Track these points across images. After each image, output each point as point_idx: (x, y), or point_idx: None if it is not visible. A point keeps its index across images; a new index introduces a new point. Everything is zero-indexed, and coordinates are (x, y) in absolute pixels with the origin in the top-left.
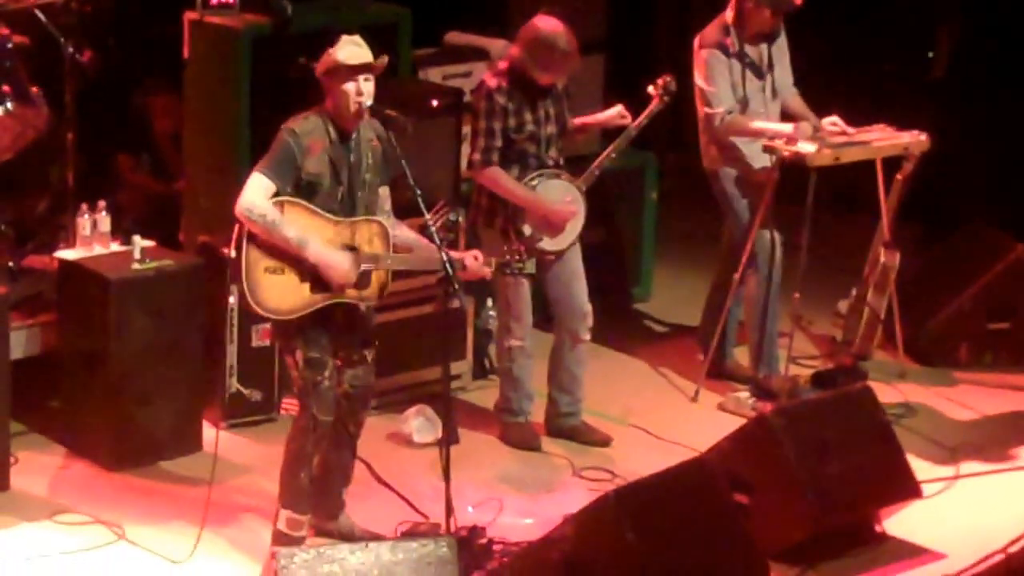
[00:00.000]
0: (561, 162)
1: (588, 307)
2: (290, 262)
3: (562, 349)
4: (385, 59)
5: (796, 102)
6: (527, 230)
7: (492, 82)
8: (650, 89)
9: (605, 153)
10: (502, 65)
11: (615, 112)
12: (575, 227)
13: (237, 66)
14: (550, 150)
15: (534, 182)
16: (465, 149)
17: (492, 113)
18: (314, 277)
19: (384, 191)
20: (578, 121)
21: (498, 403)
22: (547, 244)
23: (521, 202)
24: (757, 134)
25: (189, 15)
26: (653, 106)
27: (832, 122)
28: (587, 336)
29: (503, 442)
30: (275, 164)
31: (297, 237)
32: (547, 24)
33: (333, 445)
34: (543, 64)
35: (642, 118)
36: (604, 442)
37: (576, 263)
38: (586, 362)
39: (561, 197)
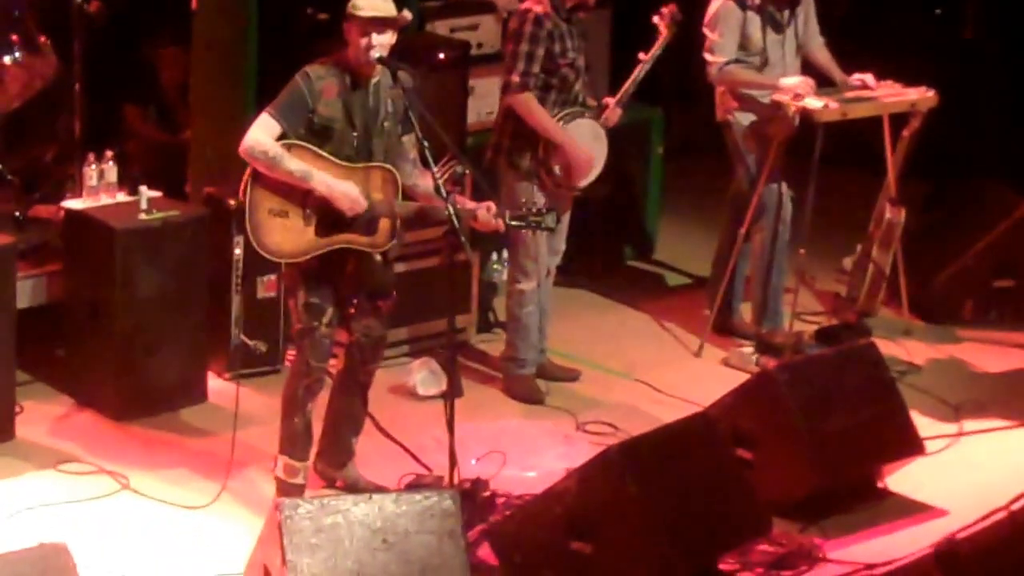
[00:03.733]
0: (585, 99)
1: (563, 246)
2: (295, 204)
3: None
4: (408, 16)
5: (822, 55)
6: (557, 169)
7: (538, 7)
8: (655, 19)
9: (623, 89)
10: None
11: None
12: (599, 163)
13: (245, 17)
14: (579, 82)
15: (561, 121)
16: (472, 103)
17: (536, 37)
18: (319, 220)
19: (409, 140)
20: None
21: (503, 353)
22: (573, 179)
23: (552, 137)
24: (750, 86)
25: None
26: (662, 37)
27: (859, 79)
28: (553, 273)
29: (506, 395)
30: (284, 106)
31: (301, 170)
32: None
33: (342, 393)
34: None
35: (654, 50)
36: (572, 377)
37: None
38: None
39: (588, 136)
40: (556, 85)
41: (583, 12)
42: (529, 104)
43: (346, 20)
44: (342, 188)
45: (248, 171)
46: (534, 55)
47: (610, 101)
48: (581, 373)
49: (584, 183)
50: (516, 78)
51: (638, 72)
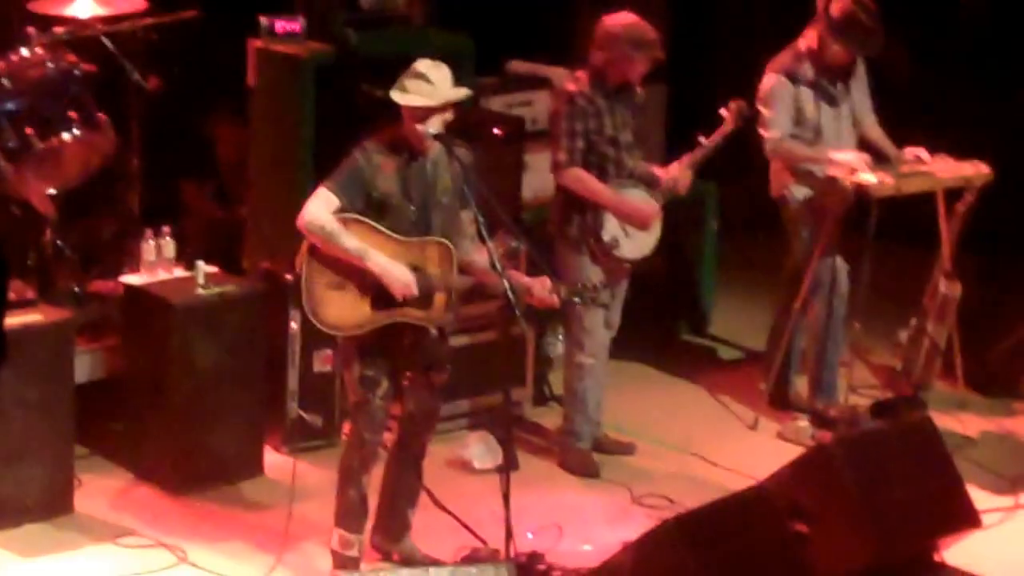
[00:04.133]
0: (638, 176)
1: (617, 319)
2: (352, 278)
3: None
4: (461, 94)
5: (875, 132)
6: (606, 234)
7: (572, 86)
8: (723, 112)
9: (681, 168)
10: (580, 73)
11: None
12: (653, 235)
13: (301, 94)
14: (629, 157)
15: (613, 185)
16: (527, 178)
17: (573, 115)
18: (375, 294)
19: (467, 215)
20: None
21: (561, 426)
22: (625, 251)
23: (605, 201)
24: (808, 160)
25: (254, 43)
26: (726, 127)
27: (914, 153)
28: (608, 345)
29: (562, 468)
30: (342, 180)
31: (357, 247)
32: (623, 17)
33: (398, 466)
34: (630, 52)
35: (716, 137)
36: (627, 451)
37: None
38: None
39: (643, 202)
40: (595, 163)
41: (638, 87)
42: (578, 176)
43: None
44: (395, 272)
45: (305, 244)
46: (574, 131)
47: (661, 172)
48: (636, 447)
49: (637, 253)
50: (562, 156)
51: (695, 157)
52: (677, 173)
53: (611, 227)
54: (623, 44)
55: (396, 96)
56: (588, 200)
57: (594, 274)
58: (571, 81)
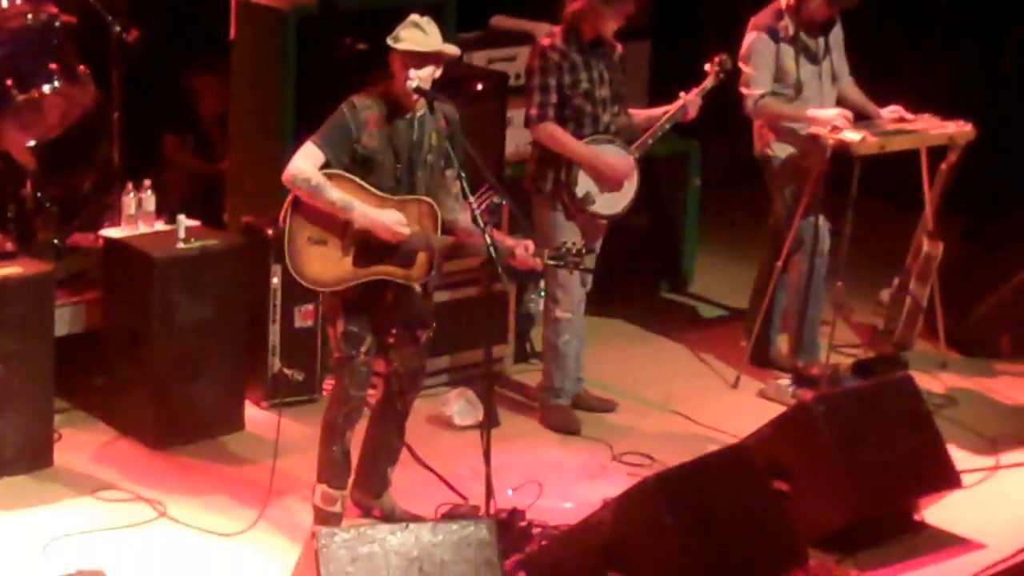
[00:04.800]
0: (617, 132)
1: (589, 275)
2: (334, 233)
3: None
4: (453, 51)
5: (853, 91)
6: (580, 190)
7: (546, 40)
8: (707, 66)
9: (658, 124)
10: (556, 28)
11: (679, 105)
12: (628, 192)
13: (283, 47)
14: (605, 113)
15: (588, 140)
16: (510, 133)
17: (546, 69)
18: (357, 250)
19: (451, 174)
20: (643, 114)
21: (540, 383)
22: (599, 207)
23: (577, 157)
24: (790, 118)
25: None
26: (708, 82)
27: (892, 111)
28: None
29: (543, 424)
30: (328, 135)
31: (343, 200)
32: None
33: (380, 423)
34: (599, 6)
35: (696, 92)
36: (608, 408)
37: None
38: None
39: (617, 158)
40: (571, 116)
41: (617, 44)
42: (550, 131)
43: (390, 51)
44: (383, 217)
45: (289, 199)
46: (547, 86)
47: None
48: (618, 404)
49: (612, 209)
50: (533, 111)
51: (673, 114)
52: (693, 97)
53: (584, 183)
54: (584, 7)
55: (391, 42)
56: (561, 155)
57: (569, 230)
58: (547, 35)
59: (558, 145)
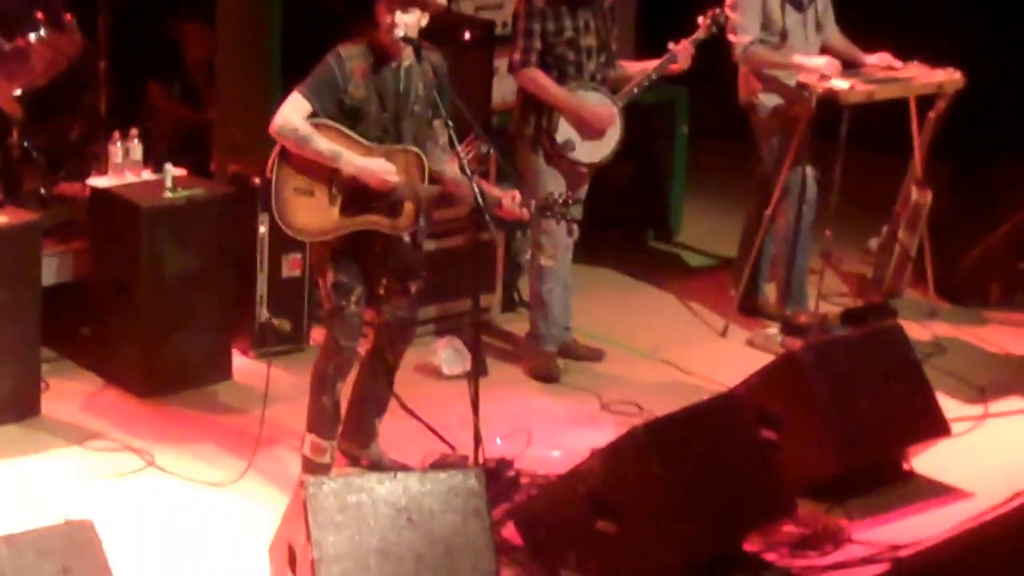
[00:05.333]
0: (604, 80)
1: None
2: (321, 183)
3: None
4: (441, 2)
5: (839, 39)
6: (560, 136)
7: None
8: (700, 19)
9: (644, 74)
10: None
11: (668, 58)
12: (610, 141)
13: None
14: (590, 62)
15: (571, 87)
16: (497, 82)
17: (531, 15)
18: (344, 200)
19: (439, 124)
20: (636, 67)
21: (529, 330)
22: (580, 154)
23: (558, 102)
24: (778, 66)
25: None
26: (699, 33)
27: (881, 57)
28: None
29: (525, 372)
30: (315, 85)
31: (330, 149)
32: None
33: (369, 374)
34: None
35: (686, 43)
36: (596, 357)
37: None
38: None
39: (599, 105)
40: (554, 64)
41: None
42: (532, 76)
43: (376, 1)
44: (371, 165)
45: (276, 149)
46: (530, 31)
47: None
48: (606, 353)
49: (593, 157)
50: (516, 56)
51: (661, 63)
52: (683, 48)
53: (565, 130)
54: None
55: None
56: (543, 101)
57: (550, 176)
58: None
59: (540, 90)
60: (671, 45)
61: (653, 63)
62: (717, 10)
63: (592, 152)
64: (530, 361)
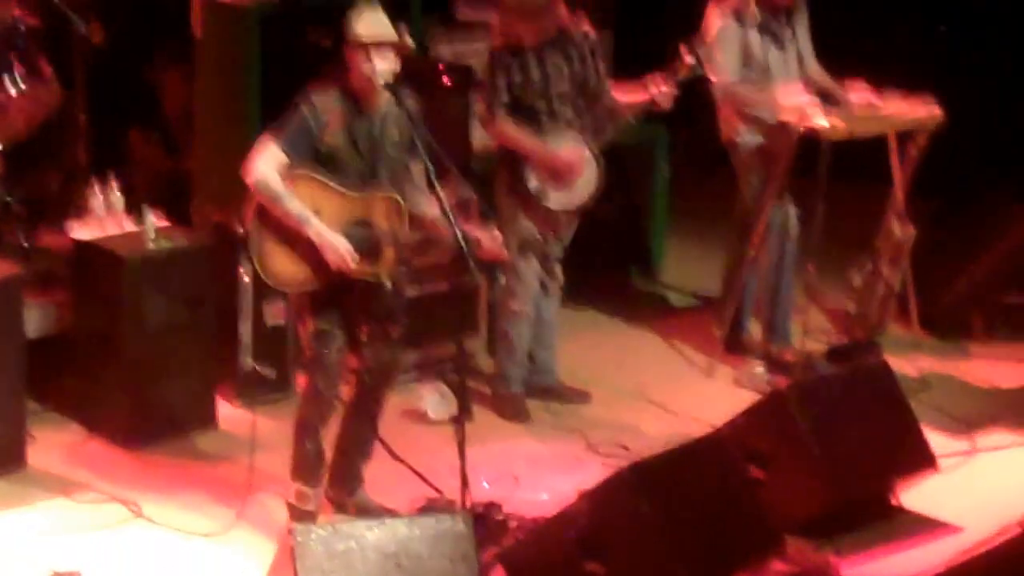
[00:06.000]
0: (581, 124)
1: (560, 271)
2: (300, 233)
3: (538, 302)
4: (410, 43)
5: (819, 74)
6: (532, 185)
7: (497, 39)
8: (682, 53)
9: (623, 117)
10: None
11: (645, 100)
12: (586, 185)
13: (247, 43)
14: (565, 107)
15: (544, 135)
16: (475, 126)
17: (495, 68)
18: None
19: (416, 166)
20: (624, 98)
21: (494, 372)
22: (554, 201)
23: (527, 152)
24: (759, 105)
25: None
26: (681, 74)
27: (863, 94)
28: (558, 293)
29: (495, 413)
30: (289, 136)
31: (299, 213)
32: None
33: (353, 419)
34: (513, 22)
35: (668, 87)
36: (583, 399)
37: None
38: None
39: (570, 153)
40: (525, 114)
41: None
42: (499, 127)
43: (347, 46)
44: (332, 242)
45: (253, 201)
46: (496, 86)
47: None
48: (592, 395)
49: (566, 204)
50: (484, 110)
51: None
52: (664, 88)
53: (536, 178)
54: (509, 13)
55: (353, 36)
56: (514, 151)
57: (528, 223)
58: (499, 31)
59: (510, 142)
60: (653, 89)
61: (639, 96)
62: (697, 46)
63: (566, 198)
64: (498, 402)
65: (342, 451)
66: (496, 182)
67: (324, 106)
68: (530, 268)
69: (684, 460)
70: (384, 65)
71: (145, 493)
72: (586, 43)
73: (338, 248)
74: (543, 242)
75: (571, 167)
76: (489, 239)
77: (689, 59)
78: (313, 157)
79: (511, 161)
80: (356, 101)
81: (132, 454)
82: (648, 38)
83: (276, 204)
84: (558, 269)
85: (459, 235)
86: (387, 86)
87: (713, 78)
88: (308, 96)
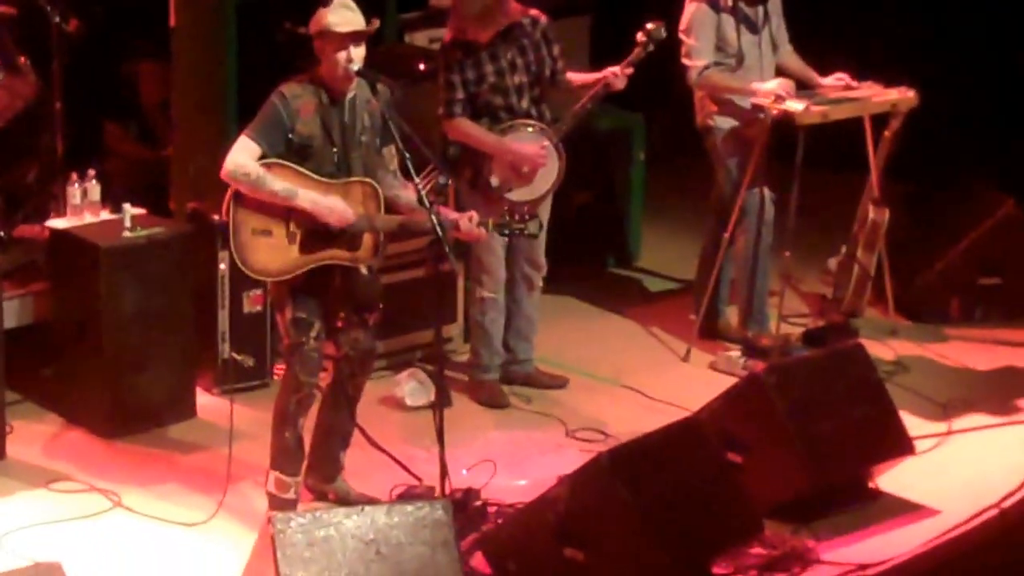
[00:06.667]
0: (540, 113)
1: (543, 260)
2: (278, 222)
3: (519, 297)
4: (376, 24)
5: (793, 59)
6: (495, 180)
7: (448, 35)
8: (638, 35)
9: (581, 103)
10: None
11: (601, 83)
12: (547, 177)
13: (224, 32)
14: (522, 100)
15: (502, 129)
16: None
17: (449, 67)
18: (303, 237)
19: (388, 151)
20: (577, 80)
21: (468, 360)
22: (516, 195)
23: (487, 148)
24: (730, 90)
25: None
26: (635, 55)
27: (838, 78)
28: (540, 285)
29: (472, 400)
30: (262, 127)
31: (285, 189)
32: None
33: (331, 407)
34: (462, 23)
35: (622, 66)
36: (560, 385)
37: (543, 214)
38: (538, 309)
39: (530, 145)
40: (483, 110)
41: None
42: (459, 126)
43: (318, 37)
44: (328, 203)
45: (229, 192)
46: (451, 83)
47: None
48: (568, 380)
49: (529, 196)
50: (441, 109)
51: (598, 90)
52: (620, 72)
53: (498, 174)
54: (459, 12)
55: (329, 27)
56: (475, 148)
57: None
58: (450, 27)
59: (469, 139)
60: (607, 71)
61: (592, 77)
62: (651, 25)
63: (530, 191)
64: (475, 389)
65: (321, 439)
66: (457, 179)
67: (295, 97)
68: (498, 257)
69: (662, 445)
70: (358, 53)
71: (125, 483)
72: (537, 29)
73: (335, 208)
74: (512, 223)
75: (532, 160)
76: (466, 220)
77: (640, 36)
78: (286, 148)
79: (471, 158)
80: (328, 90)
81: (111, 444)
82: (626, 23)
83: (258, 188)
84: (541, 256)
85: (436, 220)
86: (360, 73)
87: (687, 63)
88: (279, 88)
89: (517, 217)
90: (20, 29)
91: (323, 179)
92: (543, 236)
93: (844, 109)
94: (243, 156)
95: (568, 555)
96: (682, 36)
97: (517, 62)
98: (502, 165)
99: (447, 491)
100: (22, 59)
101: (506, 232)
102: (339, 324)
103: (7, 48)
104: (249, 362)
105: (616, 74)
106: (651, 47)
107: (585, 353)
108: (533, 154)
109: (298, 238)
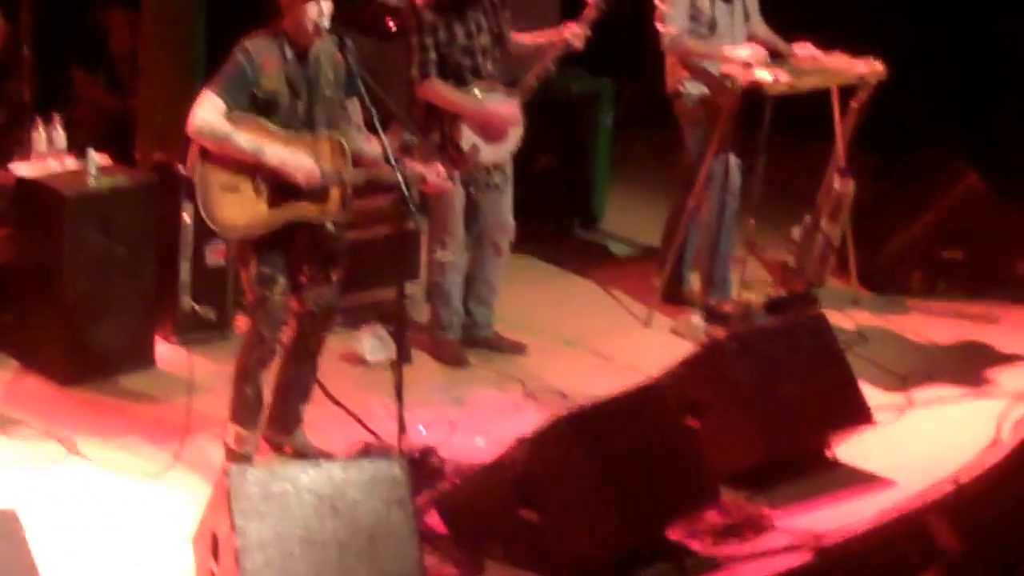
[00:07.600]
0: (500, 75)
1: (512, 221)
2: (246, 178)
3: (483, 261)
4: None
5: (762, 29)
6: (465, 143)
7: (419, 0)
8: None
9: (542, 64)
10: None
11: (561, 44)
12: (513, 136)
13: None
14: (487, 61)
15: (471, 91)
16: None
17: (421, 29)
18: (270, 193)
19: (353, 104)
20: (528, 40)
21: (429, 319)
22: (486, 155)
23: (460, 109)
24: (705, 57)
25: None
26: (588, 13)
27: (801, 46)
28: (507, 249)
29: (433, 358)
30: (226, 83)
31: (252, 145)
32: None
33: (293, 361)
34: None
35: (578, 26)
36: (520, 349)
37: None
38: (501, 275)
39: (501, 105)
40: (451, 72)
41: None
42: (432, 87)
43: None
44: (295, 161)
45: (194, 149)
46: (423, 46)
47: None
48: (527, 347)
49: (498, 155)
50: (415, 71)
51: (558, 51)
52: (578, 32)
53: (469, 136)
54: None
55: None
56: (446, 110)
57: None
58: None
59: (443, 101)
60: (564, 31)
61: (545, 38)
62: None
63: (497, 152)
64: (436, 347)
65: (281, 393)
66: (421, 140)
67: (259, 52)
68: (457, 219)
69: (621, 409)
70: (328, 7)
71: (81, 431)
72: None
73: (302, 165)
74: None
75: (504, 118)
76: (433, 173)
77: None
78: (251, 103)
79: (441, 122)
80: (291, 45)
81: (68, 391)
82: None
83: (225, 144)
84: (510, 216)
85: (401, 177)
86: (330, 30)
87: (661, 28)
88: (242, 43)
89: (483, 168)
90: None
91: (290, 134)
92: (510, 193)
93: (813, 79)
94: (210, 112)
95: (523, 516)
96: (656, 1)
97: (482, 23)
98: (475, 126)
99: (404, 448)
100: None
101: (472, 188)
102: (303, 280)
103: None
104: (210, 314)
105: (577, 34)
106: (603, 5)
107: (547, 315)
108: (507, 113)
109: (266, 193)
